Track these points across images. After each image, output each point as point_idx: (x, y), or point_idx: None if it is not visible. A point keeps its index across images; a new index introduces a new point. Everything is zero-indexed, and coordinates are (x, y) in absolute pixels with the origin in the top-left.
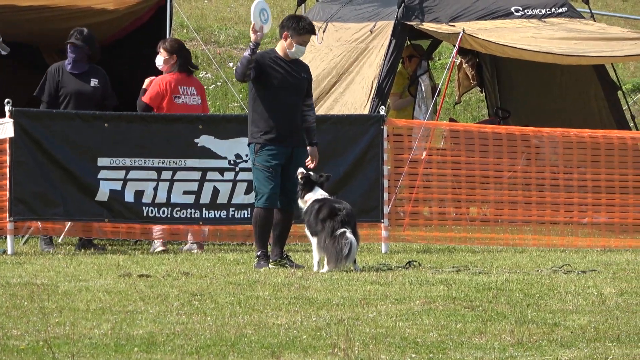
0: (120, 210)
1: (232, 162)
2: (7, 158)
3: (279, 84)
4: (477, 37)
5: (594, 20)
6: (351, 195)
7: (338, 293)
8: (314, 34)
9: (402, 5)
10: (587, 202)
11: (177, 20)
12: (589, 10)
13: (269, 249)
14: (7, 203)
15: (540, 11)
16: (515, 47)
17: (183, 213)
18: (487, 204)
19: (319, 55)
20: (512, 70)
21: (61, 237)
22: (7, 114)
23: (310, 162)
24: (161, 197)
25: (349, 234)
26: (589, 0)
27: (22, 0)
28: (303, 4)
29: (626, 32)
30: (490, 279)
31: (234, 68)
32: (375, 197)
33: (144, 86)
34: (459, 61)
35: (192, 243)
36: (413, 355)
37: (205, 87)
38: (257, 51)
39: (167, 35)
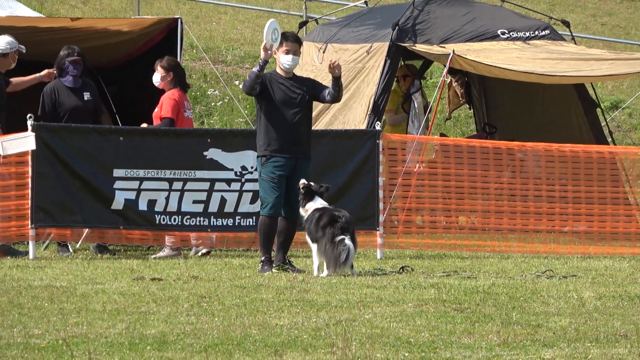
0: (134, 218)
1: (238, 173)
2: (29, 169)
3: (281, 100)
4: (466, 58)
5: (575, 43)
6: (349, 205)
7: (336, 296)
8: (298, 42)
9: (397, 27)
10: (568, 211)
11: (188, 41)
12: (569, 33)
13: (272, 255)
14: (29, 211)
15: (524, 34)
16: (501, 67)
17: (192, 221)
18: (475, 213)
19: (319, 75)
20: (499, 89)
21: (79, 242)
22: (30, 128)
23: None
24: (172, 206)
25: (347, 241)
26: (569, 24)
27: (42, 22)
28: (304, 26)
29: (604, 52)
30: (478, 283)
31: (242, 82)
32: (371, 206)
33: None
34: (449, 80)
35: (196, 247)
36: (406, 354)
37: (213, 103)
38: (265, 68)
39: (179, 56)
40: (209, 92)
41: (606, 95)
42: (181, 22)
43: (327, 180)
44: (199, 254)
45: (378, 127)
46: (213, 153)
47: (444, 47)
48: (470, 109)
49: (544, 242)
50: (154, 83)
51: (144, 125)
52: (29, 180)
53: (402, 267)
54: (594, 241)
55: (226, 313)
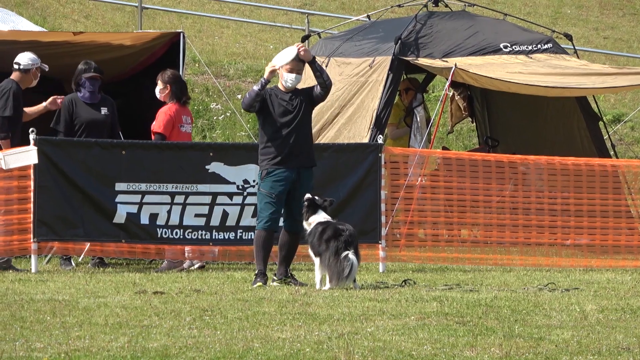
0: (136, 231)
1: (240, 187)
2: (32, 183)
3: (280, 114)
4: (468, 71)
5: (577, 56)
6: (351, 218)
7: (339, 309)
8: (300, 61)
9: (399, 41)
10: (570, 224)
11: (190, 55)
12: (572, 47)
13: (266, 268)
14: (32, 225)
15: (527, 47)
16: (504, 81)
17: (194, 234)
18: (477, 227)
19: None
20: (501, 102)
21: (81, 256)
22: (32, 142)
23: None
24: (174, 220)
25: (351, 255)
26: (572, 37)
27: (45, 36)
28: (307, 40)
29: (606, 67)
30: (480, 296)
31: (242, 99)
32: (373, 219)
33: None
34: (451, 93)
35: (190, 261)
36: None
37: (215, 117)
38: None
39: (181, 70)
40: (211, 106)
41: (608, 109)
42: (183, 37)
43: (330, 194)
44: (193, 267)
45: (380, 141)
46: (215, 167)
47: (446, 60)
48: (472, 123)
49: (546, 255)
50: (157, 95)
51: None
52: (32, 194)
53: (405, 280)
54: (596, 254)
55: (228, 326)
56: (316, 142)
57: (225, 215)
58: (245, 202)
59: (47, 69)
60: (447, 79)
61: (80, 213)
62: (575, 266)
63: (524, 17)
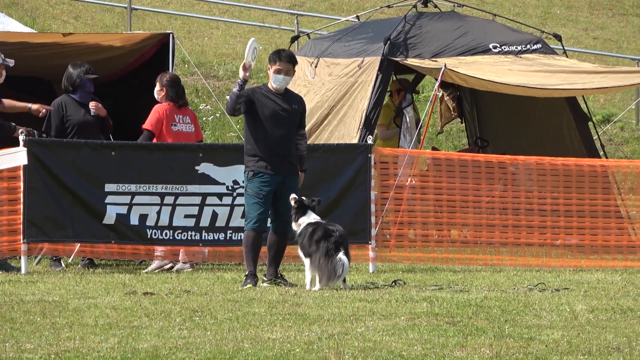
0: (126, 232)
1: (230, 187)
2: (21, 184)
3: (269, 116)
4: (458, 72)
5: (567, 56)
6: (341, 219)
7: (329, 309)
8: (292, 62)
9: (388, 42)
10: (559, 225)
11: (179, 56)
12: (561, 47)
13: (257, 269)
14: (21, 226)
15: (516, 47)
16: (494, 81)
17: (184, 235)
18: (467, 227)
19: (312, 89)
20: (490, 103)
21: (71, 257)
22: (21, 143)
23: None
24: (164, 221)
25: (342, 256)
26: (561, 38)
27: (34, 37)
28: (296, 41)
29: (596, 67)
30: (471, 296)
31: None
32: (363, 220)
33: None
34: (440, 94)
35: (183, 262)
36: None
37: (204, 118)
38: (245, 87)
39: (170, 70)
40: (201, 107)
41: (598, 109)
42: (173, 37)
43: (319, 194)
44: (183, 269)
45: (370, 141)
46: (205, 167)
47: (435, 61)
48: (462, 123)
49: (536, 255)
50: (155, 95)
51: None
52: (21, 195)
53: (395, 281)
54: (586, 254)
55: (218, 327)
56: (307, 142)
57: (214, 216)
58: (235, 202)
59: (11, 65)
60: (436, 80)
61: (69, 214)
62: (565, 266)
63: (514, 17)
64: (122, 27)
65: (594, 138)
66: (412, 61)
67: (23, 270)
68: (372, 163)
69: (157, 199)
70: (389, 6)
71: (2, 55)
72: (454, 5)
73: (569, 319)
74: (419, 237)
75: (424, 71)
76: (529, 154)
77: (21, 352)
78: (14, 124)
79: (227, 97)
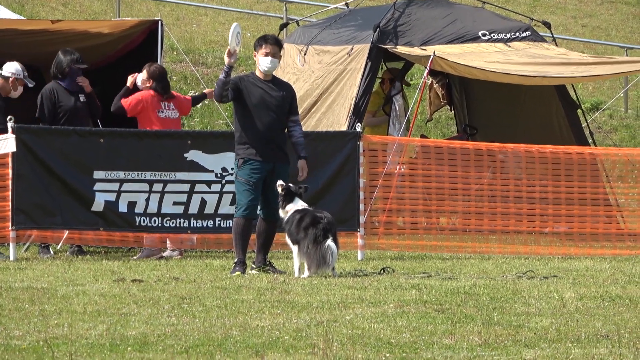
0: (115, 219)
1: (218, 175)
2: (10, 171)
3: (258, 103)
4: (447, 60)
5: (556, 44)
6: (329, 206)
7: (317, 297)
8: (278, 45)
9: (378, 29)
10: (548, 212)
11: (168, 43)
12: (550, 35)
13: (246, 257)
14: (10, 213)
15: (505, 35)
16: (482, 69)
17: (173, 222)
18: (455, 215)
19: (302, 77)
20: (480, 90)
21: (59, 244)
22: (10, 130)
23: (300, 175)
24: (152, 208)
25: (330, 242)
26: (550, 25)
27: (23, 24)
28: (285, 28)
29: (585, 56)
30: (459, 284)
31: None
32: (352, 207)
33: (128, 83)
34: (430, 82)
35: (171, 250)
36: (387, 355)
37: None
38: (231, 73)
39: (159, 57)
40: (189, 94)
41: (587, 97)
42: (161, 24)
43: (308, 182)
44: (173, 256)
45: (359, 129)
46: (193, 155)
47: (424, 49)
48: (451, 111)
49: (524, 243)
50: (137, 82)
51: None
52: (9, 182)
53: (383, 268)
54: (575, 242)
55: (207, 314)
56: None
57: (203, 203)
58: (224, 190)
59: (31, 85)
60: (425, 67)
61: (58, 201)
62: (554, 254)
63: (502, 5)
64: (111, 14)
65: (583, 126)
66: (401, 49)
67: (11, 257)
68: (361, 150)
69: (145, 186)
70: None
71: (26, 73)
72: None
73: (558, 306)
74: (407, 225)
75: (413, 59)
76: (518, 142)
77: (9, 339)
78: None
79: (215, 84)
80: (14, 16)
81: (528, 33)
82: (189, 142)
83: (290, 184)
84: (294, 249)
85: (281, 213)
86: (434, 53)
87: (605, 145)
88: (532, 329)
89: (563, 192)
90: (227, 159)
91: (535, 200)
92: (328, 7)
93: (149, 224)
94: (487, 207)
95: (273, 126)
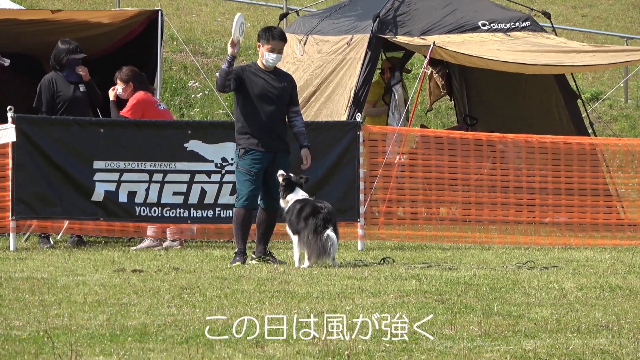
0: (115, 210)
1: (218, 165)
2: (10, 161)
3: (259, 94)
4: (447, 49)
5: (556, 34)
6: (329, 196)
7: (317, 287)
8: (283, 40)
9: (377, 19)
10: (548, 202)
11: (168, 33)
12: (550, 25)
13: (246, 247)
14: (10, 203)
15: (505, 25)
16: (482, 58)
17: (173, 212)
18: (455, 205)
19: (301, 67)
20: (480, 80)
21: (59, 234)
22: (10, 120)
23: (305, 163)
24: (152, 198)
25: (330, 232)
26: (550, 15)
27: (22, 14)
28: (285, 18)
29: (585, 45)
30: (459, 274)
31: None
32: (352, 197)
33: (111, 98)
34: (430, 71)
35: (172, 240)
36: (387, 345)
37: (193, 95)
38: (234, 63)
39: (159, 47)
40: (189, 84)
41: (587, 87)
42: (161, 14)
43: (308, 172)
44: (173, 246)
45: (359, 119)
46: (193, 145)
47: (424, 38)
48: (451, 101)
49: (524, 233)
50: (119, 95)
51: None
52: (9, 172)
53: (383, 259)
54: (575, 232)
55: (207, 304)
56: None
57: (203, 193)
58: (224, 180)
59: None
60: (425, 57)
61: (58, 191)
62: (554, 244)
63: None
64: (111, 4)
65: (583, 116)
66: (401, 39)
67: (12, 247)
68: (361, 140)
69: (145, 176)
70: None
71: None
72: None
73: (558, 296)
74: (407, 215)
75: (413, 49)
76: (518, 132)
77: (10, 329)
78: None
79: (217, 74)
80: (14, 6)
81: (528, 23)
82: (189, 132)
83: (291, 174)
84: (294, 238)
85: (282, 203)
86: (434, 43)
87: (605, 136)
88: (532, 320)
89: (563, 182)
90: (227, 149)
91: (535, 191)
92: None
93: (149, 214)
94: (487, 197)
95: (274, 117)
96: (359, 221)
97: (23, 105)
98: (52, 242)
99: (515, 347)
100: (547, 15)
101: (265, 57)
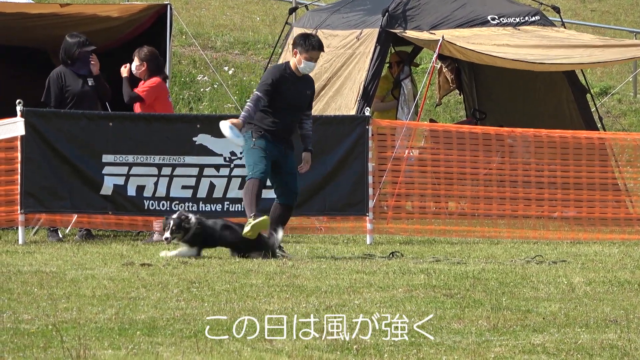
0: (123, 203)
1: (227, 159)
2: (19, 155)
3: (288, 101)
4: (456, 44)
5: (565, 29)
6: (338, 190)
7: (326, 281)
8: (322, 50)
9: (387, 13)
10: (557, 197)
11: (177, 27)
12: (560, 19)
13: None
14: (19, 196)
15: (514, 19)
16: (491, 55)
17: (181, 206)
18: (464, 199)
19: None
20: (489, 75)
21: (68, 228)
22: (19, 113)
23: (304, 166)
24: (161, 192)
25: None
26: (559, 10)
27: (32, 8)
28: (294, 13)
29: (594, 39)
30: (468, 268)
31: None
32: (361, 191)
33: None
34: (439, 66)
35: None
36: (395, 340)
37: (202, 89)
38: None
39: (168, 41)
40: (198, 78)
41: (596, 81)
42: (170, 8)
43: (317, 166)
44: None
45: (367, 113)
46: (202, 138)
47: (433, 33)
48: (460, 95)
49: (533, 227)
50: (132, 70)
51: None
52: (19, 165)
53: (392, 253)
54: (583, 227)
55: (216, 298)
56: None
57: (212, 187)
58: (232, 174)
59: None
60: (434, 52)
61: (67, 185)
62: (563, 239)
63: None
64: None
65: (592, 110)
66: (410, 33)
67: (20, 241)
68: (370, 135)
69: (154, 170)
70: None
71: None
72: None
73: (567, 291)
74: (416, 209)
75: (422, 44)
76: (527, 126)
77: (18, 322)
78: None
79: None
80: (24, 0)
81: (537, 17)
82: (198, 125)
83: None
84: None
85: None
86: (443, 37)
87: (614, 130)
88: (540, 314)
89: (572, 176)
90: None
91: (544, 185)
92: None
93: (157, 208)
94: (495, 191)
95: (291, 125)
96: (368, 215)
97: (32, 99)
98: (60, 236)
99: (524, 342)
100: (557, 10)
101: (302, 65)
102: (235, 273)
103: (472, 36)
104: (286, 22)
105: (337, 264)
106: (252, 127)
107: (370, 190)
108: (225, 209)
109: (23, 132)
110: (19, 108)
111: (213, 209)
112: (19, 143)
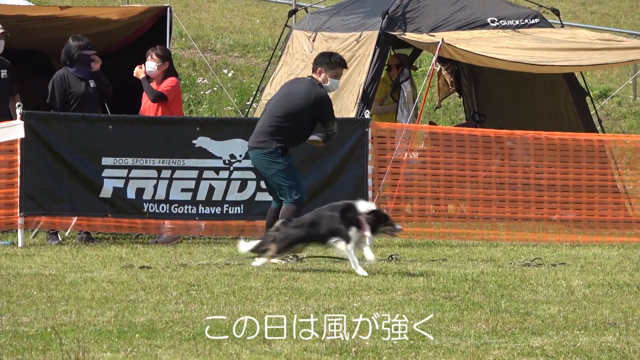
0: (123, 206)
1: (226, 161)
2: (18, 157)
3: (313, 126)
4: (456, 47)
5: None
6: (338, 193)
7: (325, 284)
8: (345, 67)
9: (386, 16)
10: (556, 200)
11: (177, 29)
12: (559, 22)
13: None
14: (18, 199)
15: (514, 22)
16: (491, 57)
17: (181, 209)
18: (463, 202)
19: (309, 64)
20: (488, 77)
21: (68, 230)
22: (19, 116)
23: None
24: (160, 195)
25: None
26: (559, 12)
27: (31, 10)
28: (294, 15)
29: (594, 40)
30: (467, 271)
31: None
32: (360, 194)
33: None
34: (438, 68)
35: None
36: (395, 342)
37: (202, 91)
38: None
39: (168, 44)
40: (198, 81)
41: (595, 84)
42: (170, 11)
43: (316, 168)
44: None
45: (367, 116)
46: (202, 141)
47: (433, 35)
48: (459, 98)
49: (532, 230)
50: (149, 71)
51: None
52: (18, 168)
53: (391, 255)
54: (583, 229)
55: (215, 301)
56: None
57: (211, 190)
58: (232, 176)
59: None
60: (434, 54)
61: (67, 187)
62: (562, 241)
63: None
64: (120, 0)
65: (592, 113)
66: (410, 35)
67: (20, 244)
68: (370, 137)
69: (154, 173)
70: None
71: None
72: None
73: (566, 294)
74: (415, 212)
75: (422, 46)
76: (526, 129)
77: (17, 325)
78: None
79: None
80: (23, 2)
81: (537, 20)
82: (198, 128)
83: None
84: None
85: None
86: (442, 40)
87: (614, 133)
88: (539, 317)
89: (571, 179)
90: (235, 146)
91: (543, 188)
92: None
93: (157, 211)
94: (495, 194)
95: (305, 136)
96: None
97: (32, 101)
98: (60, 239)
99: (523, 345)
100: (556, 12)
101: (329, 83)
102: (234, 276)
103: (472, 39)
104: (286, 25)
105: (336, 266)
106: (281, 143)
107: (370, 193)
108: (224, 212)
109: (23, 135)
110: (18, 111)
111: (212, 212)
112: (18, 146)
